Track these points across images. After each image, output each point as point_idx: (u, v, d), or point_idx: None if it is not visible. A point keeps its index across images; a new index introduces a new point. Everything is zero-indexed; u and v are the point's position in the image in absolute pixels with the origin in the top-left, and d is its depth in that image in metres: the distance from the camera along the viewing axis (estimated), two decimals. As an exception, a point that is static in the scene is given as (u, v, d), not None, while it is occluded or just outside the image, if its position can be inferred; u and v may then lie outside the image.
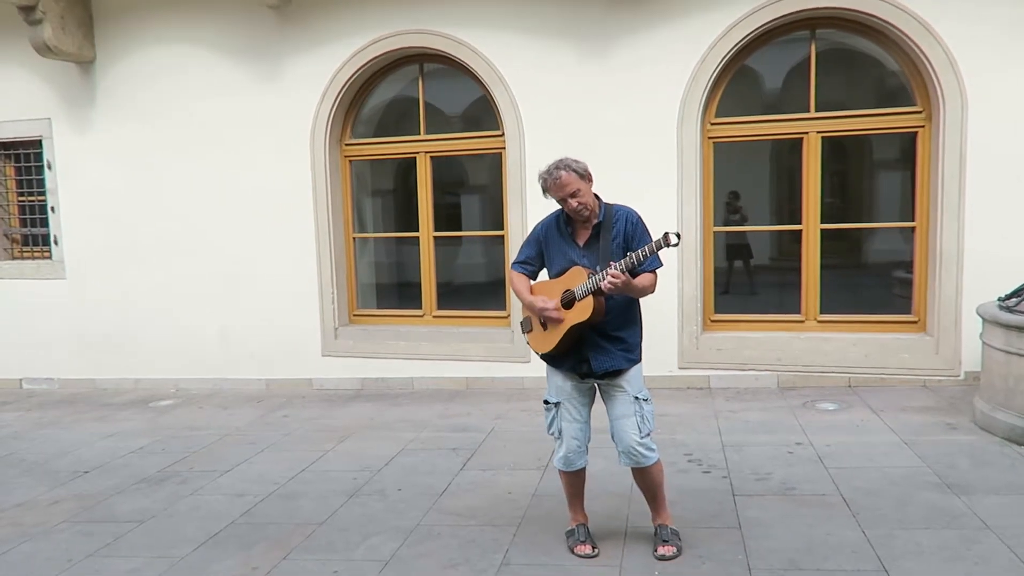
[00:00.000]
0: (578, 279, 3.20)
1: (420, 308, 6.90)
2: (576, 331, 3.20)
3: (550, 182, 3.21)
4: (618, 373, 3.21)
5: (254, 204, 6.91)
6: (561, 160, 3.22)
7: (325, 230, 6.75)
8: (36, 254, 7.79)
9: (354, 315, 7.04)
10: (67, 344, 7.61)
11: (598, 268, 3.15)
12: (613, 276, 2.97)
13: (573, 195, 3.18)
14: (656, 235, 3.07)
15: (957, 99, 5.38)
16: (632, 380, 3.22)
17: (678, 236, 2.93)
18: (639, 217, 3.28)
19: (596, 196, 3.29)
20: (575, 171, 3.19)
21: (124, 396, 7.20)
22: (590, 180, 3.25)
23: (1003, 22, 5.32)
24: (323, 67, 6.59)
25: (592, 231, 3.27)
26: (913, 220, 5.88)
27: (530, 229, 5.97)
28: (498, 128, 6.42)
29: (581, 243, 3.29)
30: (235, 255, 7.02)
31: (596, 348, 3.20)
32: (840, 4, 5.51)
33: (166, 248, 7.21)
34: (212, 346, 7.19)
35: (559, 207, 3.34)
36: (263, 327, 7.02)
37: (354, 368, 6.82)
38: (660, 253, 3.07)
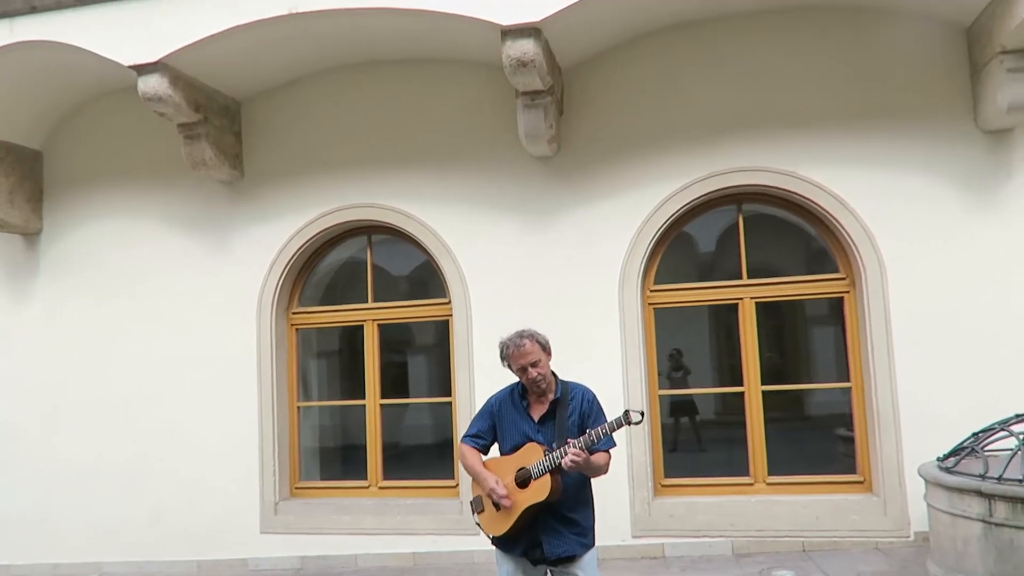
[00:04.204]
0: (533, 456, 3.16)
1: (365, 478, 6.69)
2: (532, 511, 3.13)
3: (512, 349, 3.23)
4: (572, 559, 3.12)
5: (195, 375, 6.77)
6: (524, 329, 3.28)
7: (269, 400, 6.62)
8: (-43, 429, 7.38)
9: (296, 488, 6.77)
10: (-19, 526, 7.08)
11: (554, 445, 3.14)
12: (575, 454, 2.96)
13: (534, 364, 3.21)
14: (611, 416, 3.10)
15: (876, 267, 5.74)
16: (586, 567, 3.13)
17: (641, 414, 2.96)
18: (595, 396, 3.32)
19: (553, 372, 3.34)
20: (539, 342, 3.25)
21: (40, 584, 6.64)
22: (550, 354, 3.31)
23: (916, 194, 5.73)
24: (272, 239, 6.72)
25: (548, 407, 3.28)
26: (848, 380, 6.08)
27: (477, 396, 6.05)
28: (445, 296, 6.55)
29: (536, 418, 3.29)
30: (172, 427, 6.78)
31: (549, 531, 3.12)
32: (761, 182, 5.95)
33: (99, 421, 6.93)
34: (141, 525, 6.76)
35: (513, 382, 3.36)
36: (198, 503, 6.67)
37: (294, 546, 6.46)
38: (615, 433, 3.10)
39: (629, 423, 2.95)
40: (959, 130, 5.69)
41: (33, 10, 5.99)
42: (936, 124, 5.72)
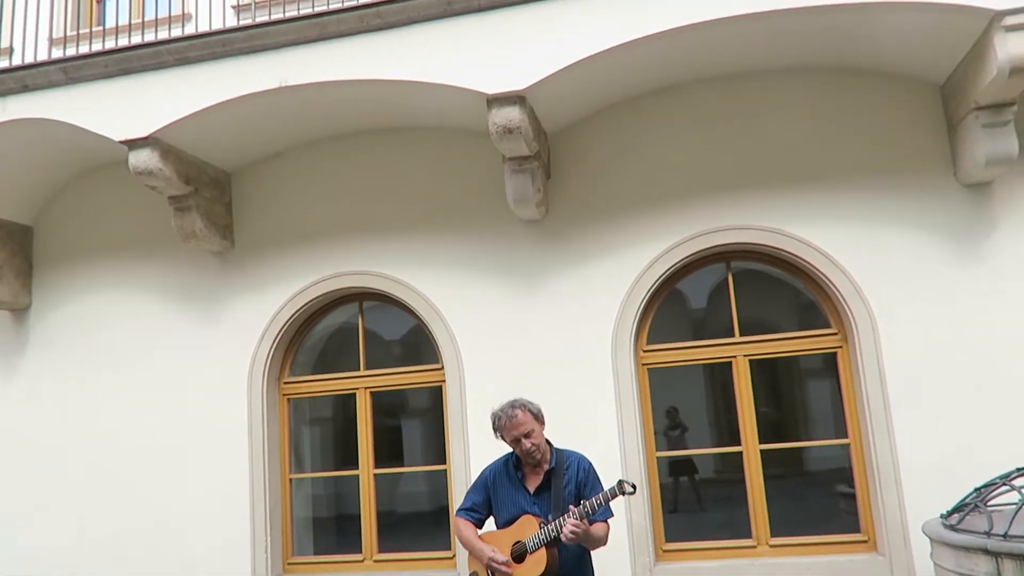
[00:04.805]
0: (529, 529, 3.10)
1: (359, 551, 6.52)
2: (529, 588, 3.05)
3: (504, 420, 3.19)
4: (572, 637, 3.03)
5: (185, 449, 6.65)
6: (516, 400, 3.24)
7: (260, 473, 6.48)
8: (-60, 511, 7.20)
9: (288, 563, 6.59)
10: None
11: (550, 517, 3.08)
12: (574, 525, 2.90)
13: (527, 435, 3.16)
14: (607, 483, 3.04)
15: (868, 323, 5.73)
16: (587, 645, 3.04)
17: (633, 486, 2.92)
18: (591, 464, 3.27)
19: (547, 441, 3.29)
20: (531, 411, 3.21)
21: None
22: (543, 423, 3.27)
23: (902, 249, 5.75)
24: (263, 308, 6.69)
25: (543, 477, 3.23)
26: (847, 436, 6.01)
27: (473, 463, 5.95)
28: (437, 361, 6.51)
29: (532, 489, 3.23)
30: (161, 502, 6.63)
31: (547, 609, 3.03)
32: (748, 240, 5.99)
33: (85, 498, 6.78)
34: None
35: (507, 452, 3.31)
36: (187, 583, 6.49)
37: (287, 625, 6.28)
38: (612, 502, 3.04)
39: (623, 493, 2.90)
40: (940, 185, 5.76)
41: (25, 88, 6.09)
42: (917, 179, 5.80)
